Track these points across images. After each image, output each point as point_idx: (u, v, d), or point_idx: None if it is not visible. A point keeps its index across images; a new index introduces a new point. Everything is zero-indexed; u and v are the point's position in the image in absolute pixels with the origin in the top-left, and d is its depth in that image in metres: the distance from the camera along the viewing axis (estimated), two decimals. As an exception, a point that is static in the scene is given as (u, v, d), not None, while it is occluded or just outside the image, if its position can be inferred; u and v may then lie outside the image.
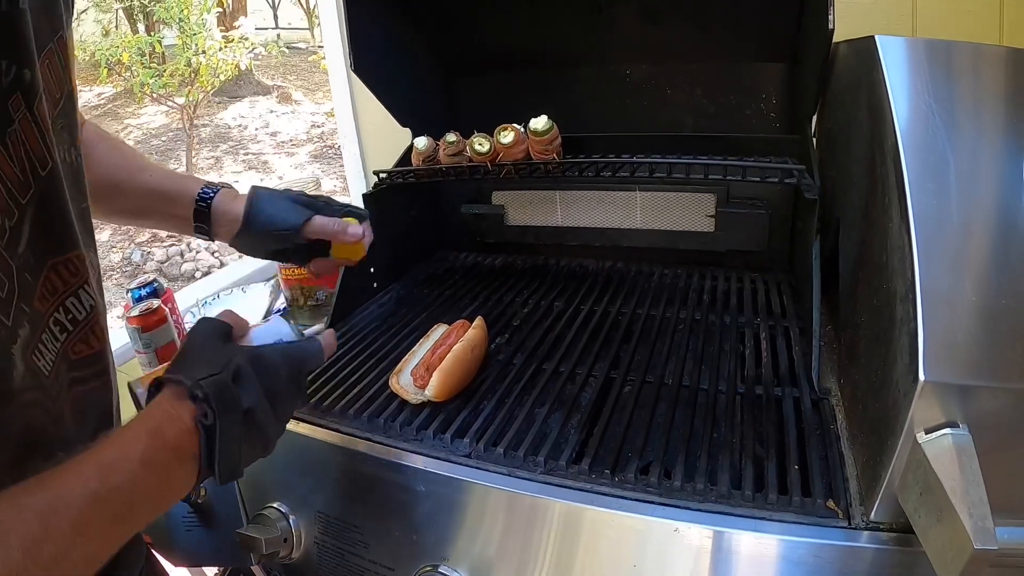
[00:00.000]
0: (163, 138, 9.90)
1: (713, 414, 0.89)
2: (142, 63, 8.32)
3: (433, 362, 0.93)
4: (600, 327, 1.16)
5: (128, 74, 8.49)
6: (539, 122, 1.08)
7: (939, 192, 0.66)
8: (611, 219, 1.45)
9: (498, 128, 1.12)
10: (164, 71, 8.29)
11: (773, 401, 0.91)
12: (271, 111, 10.68)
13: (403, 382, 0.95)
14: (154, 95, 8.38)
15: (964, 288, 0.62)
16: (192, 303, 1.53)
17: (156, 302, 1.16)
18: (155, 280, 1.26)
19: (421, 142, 1.21)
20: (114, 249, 7.66)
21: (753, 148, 1.20)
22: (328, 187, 8.06)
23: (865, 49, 0.83)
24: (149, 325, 1.13)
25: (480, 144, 1.13)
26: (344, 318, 1.26)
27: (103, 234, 7.89)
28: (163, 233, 7.73)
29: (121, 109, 10.64)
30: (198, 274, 7.17)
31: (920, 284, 0.61)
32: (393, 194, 1.36)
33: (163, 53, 9.25)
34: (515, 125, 1.11)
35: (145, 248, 7.59)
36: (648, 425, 0.87)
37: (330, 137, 9.96)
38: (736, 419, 0.88)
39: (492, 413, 0.92)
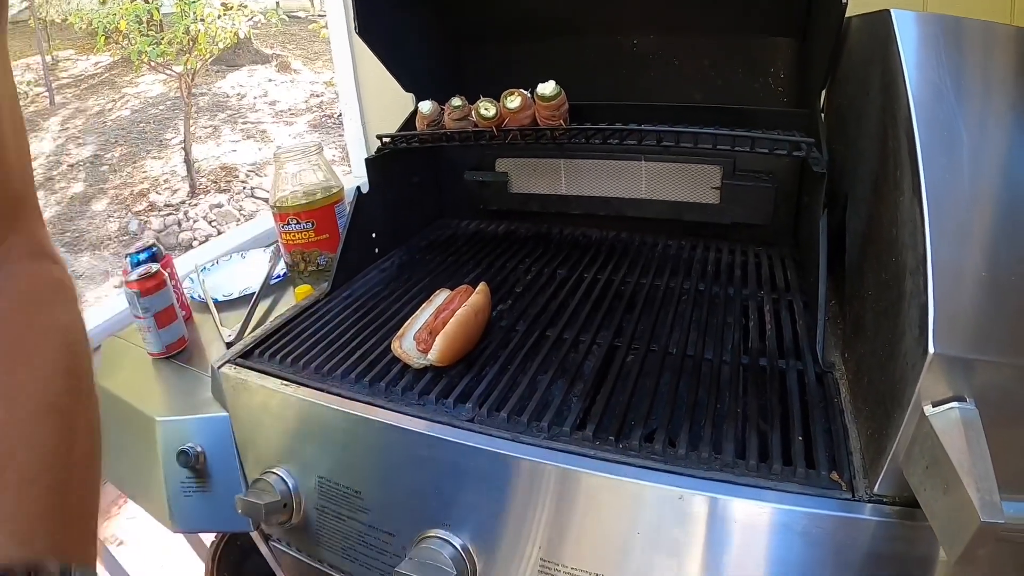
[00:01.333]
0: (161, 107, 9.85)
1: (717, 384, 0.89)
2: (140, 31, 8.25)
3: (436, 326, 0.92)
4: (604, 296, 1.15)
5: (125, 42, 8.43)
6: (547, 87, 1.06)
7: (951, 167, 0.65)
8: (616, 189, 1.44)
9: (505, 93, 1.10)
10: (162, 39, 8.22)
11: (777, 373, 0.91)
12: (270, 80, 10.63)
13: (406, 346, 0.94)
14: (152, 63, 8.31)
15: (975, 262, 0.61)
16: (191, 269, 1.52)
17: (155, 266, 1.14)
18: (155, 244, 1.25)
19: (426, 106, 1.19)
20: (111, 219, 7.65)
21: (761, 121, 1.18)
22: (328, 156, 8.01)
23: (880, 23, 0.82)
24: (148, 289, 1.11)
25: (486, 109, 1.11)
26: (346, 283, 1.25)
27: (100, 203, 7.87)
28: (160, 202, 7.72)
29: (118, 78, 10.59)
30: (195, 243, 7.17)
31: (931, 257, 0.61)
32: (396, 159, 1.35)
33: (161, 21, 9.18)
34: (522, 90, 1.09)
35: (142, 217, 7.58)
36: (652, 394, 0.87)
37: (329, 106, 9.93)
38: (740, 390, 0.87)
39: (495, 379, 0.91)
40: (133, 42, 8.20)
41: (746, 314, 1.08)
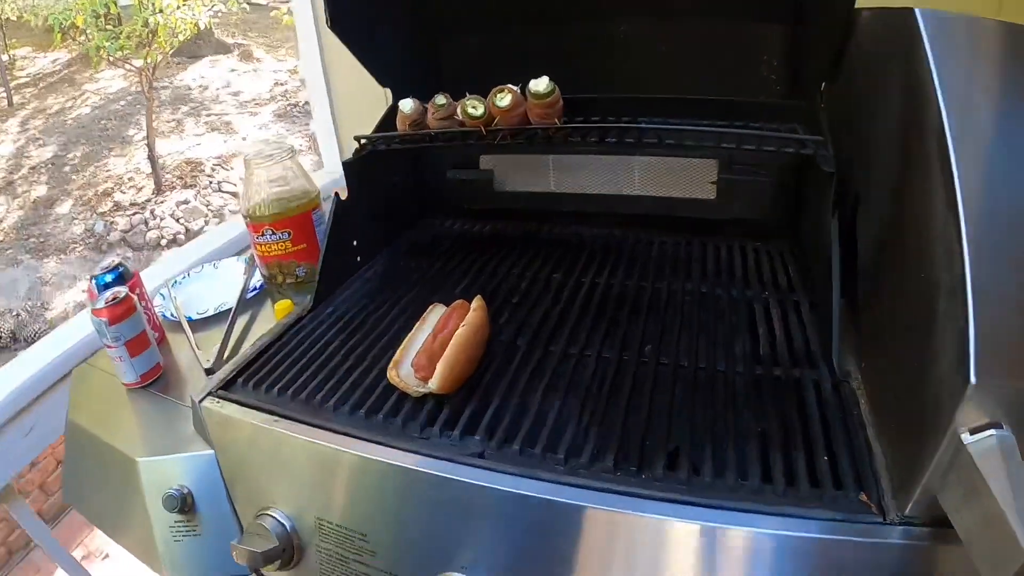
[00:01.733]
0: (122, 103, 9.69)
1: (733, 399, 0.84)
2: (97, 26, 8.06)
3: (435, 350, 0.85)
4: (605, 303, 1.09)
5: (83, 38, 8.23)
6: (540, 84, 0.98)
7: (988, 183, 0.62)
8: (608, 185, 1.37)
9: (494, 90, 1.02)
10: (120, 33, 8.02)
11: (793, 384, 0.86)
12: (232, 70, 10.48)
13: (403, 374, 0.87)
14: (111, 58, 8.12)
15: (1014, 284, 0.58)
16: (161, 283, 1.44)
17: (123, 290, 1.06)
18: (121, 264, 1.16)
19: (407, 105, 1.11)
20: (76, 221, 7.50)
21: (757, 112, 1.13)
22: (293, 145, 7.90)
23: (901, 21, 0.76)
24: (116, 316, 1.03)
25: (473, 107, 1.03)
26: (328, 297, 1.18)
27: (63, 206, 7.73)
28: (125, 201, 7.58)
29: (78, 75, 10.39)
30: (164, 241, 7.06)
31: (971, 281, 0.57)
32: (375, 160, 1.26)
33: (119, 14, 8.95)
34: (511, 87, 1.02)
35: (108, 218, 7.44)
36: (668, 413, 0.82)
37: (294, 95, 9.83)
38: (757, 404, 0.83)
39: (502, 405, 0.85)
40: (91, 37, 8.01)
41: (753, 318, 1.03)
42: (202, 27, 8.58)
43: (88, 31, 8.06)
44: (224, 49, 10.89)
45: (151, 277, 1.50)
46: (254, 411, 0.88)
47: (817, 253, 1.01)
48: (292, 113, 9.57)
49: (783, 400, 0.83)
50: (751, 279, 1.15)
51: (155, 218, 7.37)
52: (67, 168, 8.42)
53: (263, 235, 1.26)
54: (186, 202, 7.67)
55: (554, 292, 1.13)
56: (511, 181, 1.45)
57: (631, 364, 0.92)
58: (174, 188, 8.00)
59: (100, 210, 7.59)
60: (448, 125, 1.09)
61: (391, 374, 0.87)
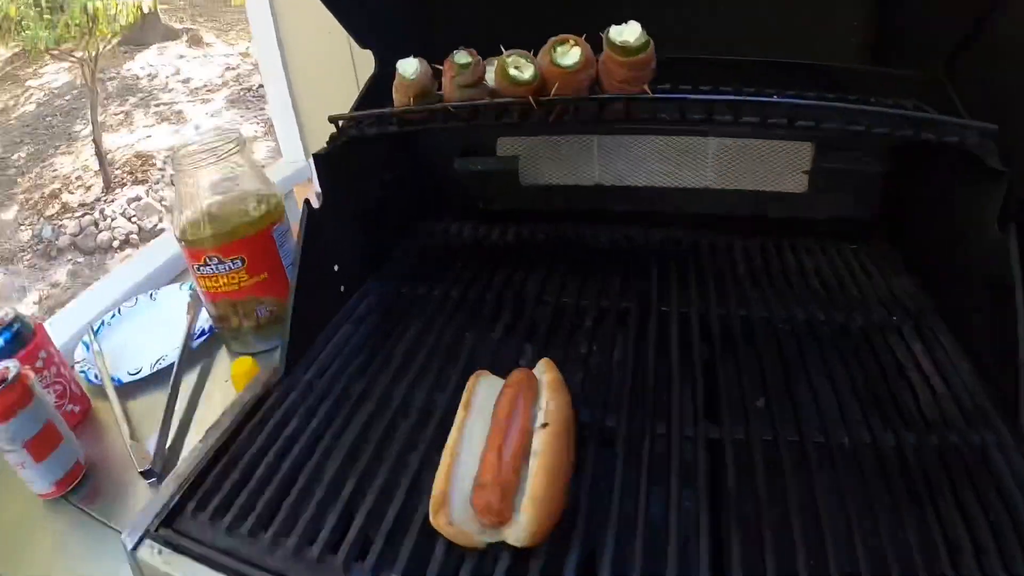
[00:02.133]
0: (67, 97, 9.26)
1: (919, 487, 0.60)
2: (33, 16, 7.59)
3: (508, 477, 0.52)
4: (707, 346, 0.78)
5: (18, 29, 7.75)
6: (630, 32, 0.63)
7: None
8: (674, 176, 1.06)
9: (552, 42, 0.69)
10: (58, 22, 7.54)
11: (979, 454, 0.64)
12: (181, 56, 10.09)
13: (457, 519, 0.53)
14: (51, 51, 7.66)
15: None
16: (84, 324, 1.09)
17: (13, 367, 0.70)
18: (17, 318, 0.80)
19: (410, 67, 0.76)
20: (22, 227, 7.11)
21: (851, 82, 0.87)
22: (248, 132, 7.56)
23: None
24: (5, 410, 0.67)
25: (517, 69, 0.69)
26: (305, 353, 0.83)
27: (8, 212, 7.32)
28: (74, 202, 7.23)
29: (20, 71, 9.90)
30: (116, 243, 6.70)
31: None
32: (356, 149, 0.91)
33: (62, 4, 8.48)
34: (575, 38, 0.68)
35: (56, 222, 7.05)
36: (850, 522, 0.56)
37: (247, 79, 9.48)
38: (950, 491, 0.60)
39: (620, 548, 0.52)
40: (26, 28, 7.54)
41: (894, 355, 0.79)
42: (146, 11, 8.16)
43: (24, 21, 7.57)
44: (172, 35, 10.45)
45: (75, 320, 1.14)
46: (217, 572, 0.55)
47: (967, 270, 0.79)
48: (246, 98, 9.20)
49: (973, 480, 0.61)
50: (868, 299, 0.89)
51: (105, 219, 6.95)
52: (12, 171, 8.00)
53: (206, 265, 0.93)
54: (138, 199, 7.26)
55: (633, 333, 0.81)
56: (543, 172, 1.12)
57: (778, 447, 0.63)
58: (124, 184, 7.59)
59: (47, 213, 7.17)
60: (474, 95, 0.75)
61: (438, 522, 0.53)
